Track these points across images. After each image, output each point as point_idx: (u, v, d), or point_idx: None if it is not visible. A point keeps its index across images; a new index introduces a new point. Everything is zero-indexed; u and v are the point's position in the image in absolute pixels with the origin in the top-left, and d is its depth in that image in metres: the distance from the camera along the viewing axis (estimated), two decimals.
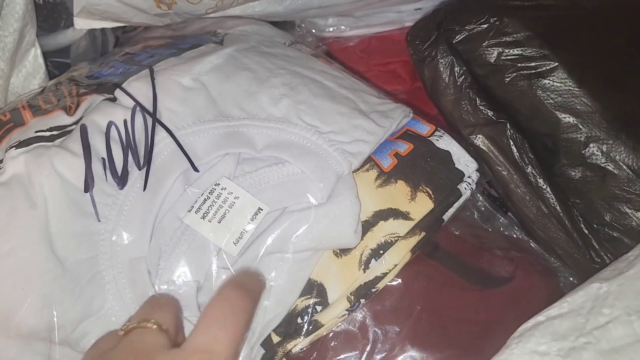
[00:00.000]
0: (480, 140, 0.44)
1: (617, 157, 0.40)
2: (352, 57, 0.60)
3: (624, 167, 0.40)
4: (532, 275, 0.43)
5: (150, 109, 0.35)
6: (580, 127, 0.40)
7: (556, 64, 0.41)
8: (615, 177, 0.40)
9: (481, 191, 0.48)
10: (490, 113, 0.44)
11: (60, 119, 0.35)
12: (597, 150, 0.40)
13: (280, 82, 0.38)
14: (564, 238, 0.43)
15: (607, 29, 0.43)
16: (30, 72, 0.51)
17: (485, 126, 0.44)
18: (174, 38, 0.46)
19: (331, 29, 0.60)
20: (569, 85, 0.41)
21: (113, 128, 0.34)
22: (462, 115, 0.44)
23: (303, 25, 0.61)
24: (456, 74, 0.44)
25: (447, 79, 0.45)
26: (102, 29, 0.57)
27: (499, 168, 0.44)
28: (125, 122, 0.34)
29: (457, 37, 0.43)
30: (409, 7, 0.60)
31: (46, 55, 0.56)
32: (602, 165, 0.40)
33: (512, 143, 0.43)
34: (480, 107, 0.44)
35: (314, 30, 0.61)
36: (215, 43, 0.42)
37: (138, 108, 0.35)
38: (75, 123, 0.35)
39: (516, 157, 0.43)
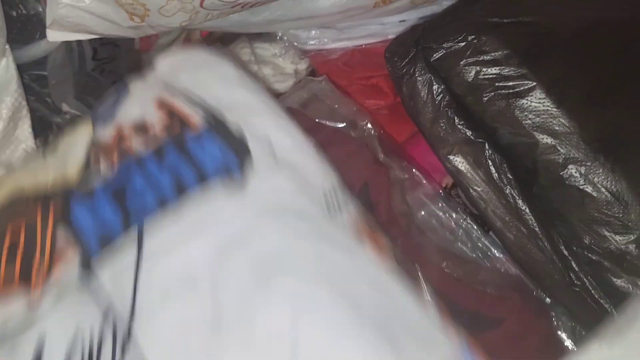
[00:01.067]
0: (458, 160, 0.44)
1: (596, 179, 0.39)
2: (334, 70, 0.59)
3: (603, 189, 0.39)
4: (524, 316, 0.42)
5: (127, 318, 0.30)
6: (559, 148, 0.40)
7: (534, 83, 0.40)
8: (593, 199, 0.39)
9: (464, 209, 0.48)
10: (468, 132, 0.43)
11: (17, 304, 0.31)
12: (576, 172, 0.39)
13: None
14: (543, 259, 0.42)
15: (586, 48, 0.42)
16: (3, 83, 0.50)
17: (464, 145, 0.43)
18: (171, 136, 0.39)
19: (313, 42, 0.59)
20: (547, 106, 0.40)
21: (78, 341, 0.29)
22: (440, 134, 0.44)
23: (285, 38, 0.60)
24: (434, 92, 0.43)
25: (425, 96, 0.44)
26: (79, 41, 0.56)
27: (478, 188, 0.44)
28: (91, 335, 0.30)
29: (434, 55, 0.42)
30: (393, 19, 0.59)
31: (23, 67, 0.55)
32: (581, 187, 0.39)
33: (490, 163, 0.43)
34: (459, 126, 0.43)
35: (296, 43, 0.60)
36: (231, 179, 0.36)
37: (111, 314, 0.31)
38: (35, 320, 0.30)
39: (495, 177, 0.43)
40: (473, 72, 0.41)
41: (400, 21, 0.58)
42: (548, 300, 0.44)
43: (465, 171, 0.44)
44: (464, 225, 0.47)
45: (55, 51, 0.56)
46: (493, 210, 0.44)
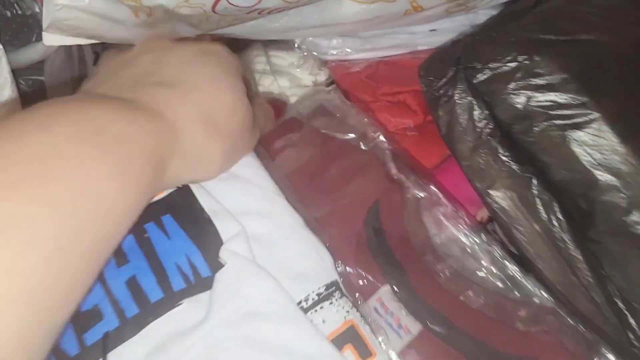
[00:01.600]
0: (501, 195, 0.38)
1: None
2: (357, 84, 0.53)
3: None
4: (560, 357, 0.36)
5: None
6: (622, 190, 0.34)
7: (597, 114, 0.34)
8: None
9: (501, 246, 0.42)
10: (514, 165, 0.38)
11: None
12: None
13: None
14: (596, 313, 0.37)
15: None
16: None
17: (508, 180, 0.38)
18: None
19: (334, 51, 0.54)
20: (611, 140, 0.34)
21: None
22: (481, 165, 0.38)
23: (304, 47, 0.55)
24: (476, 117, 0.38)
25: (465, 122, 0.38)
26: (80, 45, 0.51)
27: (521, 228, 0.38)
28: None
29: (478, 76, 0.37)
30: (422, 28, 0.53)
31: (18, 72, 0.51)
32: None
33: (538, 201, 0.37)
34: (503, 157, 0.38)
35: (315, 52, 0.54)
36: (198, 280, 0.32)
37: None
38: None
39: (543, 217, 0.37)
40: (523, 98, 0.36)
41: (431, 30, 0.53)
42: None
43: (508, 208, 0.38)
44: (491, 253, 0.41)
45: (53, 55, 0.51)
46: (538, 253, 0.38)
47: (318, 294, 0.34)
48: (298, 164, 0.40)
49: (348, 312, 0.34)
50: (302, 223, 0.36)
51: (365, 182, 0.40)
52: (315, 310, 0.33)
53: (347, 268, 0.37)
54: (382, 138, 0.43)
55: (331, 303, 0.34)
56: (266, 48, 0.57)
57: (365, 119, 0.44)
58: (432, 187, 0.42)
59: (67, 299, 0.23)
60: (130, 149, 0.25)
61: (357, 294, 0.37)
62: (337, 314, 0.34)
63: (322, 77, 0.56)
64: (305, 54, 0.55)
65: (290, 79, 0.55)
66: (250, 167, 0.36)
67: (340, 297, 0.34)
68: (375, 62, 0.53)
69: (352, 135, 0.42)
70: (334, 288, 0.35)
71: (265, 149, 0.41)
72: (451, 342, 0.35)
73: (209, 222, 0.33)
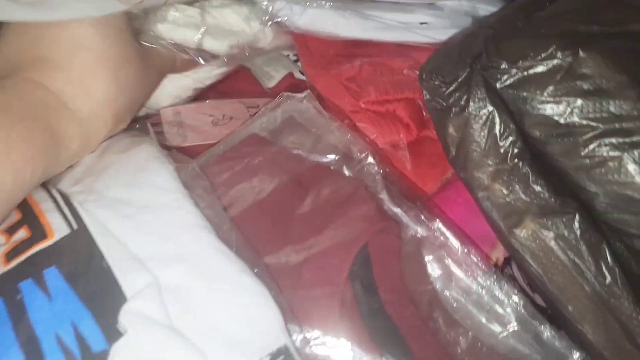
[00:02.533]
0: (532, 237, 0.29)
1: None
2: (334, 88, 0.44)
3: None
4: None
5: None
6: None
7: None
8: None
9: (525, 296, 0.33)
10: (550, 197, 0.29)
11: None
12: None
13: None
14: None
15: None
16: None
17: (542, 216, 0.29)
18: None
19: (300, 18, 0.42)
20: None
21: None
22: (504, 197, 0.29)
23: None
24: (499, 133, 0.29)
25: (484, 140, 0.29)
26: None
27: (559, 278, 0.29)
28: None
29: (504, 79, 0.28)
30: (412, 17, 0.44)
31: None
32: None
33: (582, 244, 0.28)
34: (535, 187, 0.29)
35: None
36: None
37: None
38: None
39: (588, 264, 0.28)
40: (564, 108, 0.27)
41: (422, 23, 0.44)
42: None
43: (540, 254, 0.29)
44: (516, 308, 0.33)
45: None
46: (580, 312, 0.30)
47: None
48: (258, 197, 0.31)
49: None
50: (241, 268, 0.28)
51: (350, 220, 0.31)
52: None
53: (326, 338, 0.28)
54: (370, 160, 0.34)
55: None
56: None
57: (349, 135, 0.35)
58: (438, 223, 0.32)
59: None
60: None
61: None
62: None
63: (265, 36, 0.43)
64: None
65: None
66: (169, 193, 0.29)
67: None
68: (358, 62, 0.44)
69: (332, 157, 0.34)
70: (282, 357, 0.27)
71: (210, 177, 0.31)
72: None
73: (108, 272, 0.26)
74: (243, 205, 0.31)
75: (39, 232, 0.28)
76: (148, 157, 0.31)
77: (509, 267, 0.36)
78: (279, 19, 0.39)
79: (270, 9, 0.39)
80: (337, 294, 0.29)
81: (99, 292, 0.26)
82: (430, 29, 0.43)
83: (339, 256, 0.30)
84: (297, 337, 0.29)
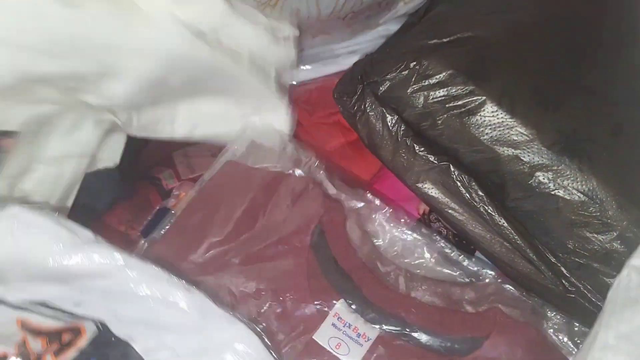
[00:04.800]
0: (427, 186, 0.43)
1: (565, 182, 0.38)
2: (296, 110, 0.58)
3: (574, 191, 0.38)
4: (509, 328, 0.40)
5: None
6: (522, 157, 0.39)
7: (483, 97, 0.39)
8: (567, 202, 0.38)
9: (445, 236, 0.46)
10: (431, 157, 0.42)
11: None
12: (544, 178, 0.39)
13: None
14: (533, 271, 0.41)
15: (530, 50, 0.41)
16: None
17: (430, 171, 0.42)
18: None
19: None
20: (501, 117, 0.39)
21: None
22: (404, 164, 0.43)
23: None
24: (389, 124, 0.43)
25: (381, 130, 0.43)
26: None
27: (452, 212, 0.43)
28: None
29: (381, 88, 0.42)
30: (342, 49, 0.58)
31: None
32: (552, 192, 0.38)
33: (459, 184, 0.42)
34: (420, 153, 0.42)
35: None
36: None
37: None
38: None
39: (466, 197, 0.42)
40: (422, 98, 0.41)
41: (350, 52, 0.58)
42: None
43: (436, 196, 0.43)
44: (434, 244, 0.45)
45: None
46: (472, 229, 0.43)
47: None
48: (242, 207, 0.43)
49: None
50: (233, 328, 0.36)
51: (305, 206, 0.43)
52: None
53: (299, 295, 0.40)
54: (315, 161, 0.46)
55: None
56: None
57: (297, 146, 0.47)
58: (369, 195, 0.46)
59: None
60: None
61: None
62: None
63: None
64: None
65: None
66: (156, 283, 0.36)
67: None
68: (308, 89, 0.58)
69: (286, 165, 0.46)
70: None
71: (206, 191, 0.44)
72: (407, 338, 0.39)
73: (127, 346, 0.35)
74: (234, 213, 0.42)
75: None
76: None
77: (435, 214, 0.49)
78: None
79: None
80: (303, 262, 0.41)
81: None
82: (358, 55, 0.57)
83: (300, 234, 0.42)
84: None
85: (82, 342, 0.35)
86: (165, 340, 0.35)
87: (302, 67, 0.58)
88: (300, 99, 0.58)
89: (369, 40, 0.56)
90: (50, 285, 0.36)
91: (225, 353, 0.35)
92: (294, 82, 0.58)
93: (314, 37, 0.52)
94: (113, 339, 0.36)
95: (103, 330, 0.36)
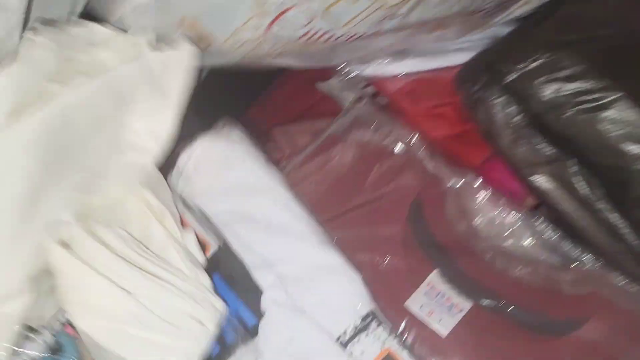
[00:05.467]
0: (543, 179, 0.43)
1: None
2: (398, 100, 0.59)
3: None
4: (612, 314, 0.40)
5: None
6: None
7: (620, 94, 0.39)
8: None
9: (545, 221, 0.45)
10: (551, 150, 0.42)
11: None
12: None
13: None
14: None
15: None
16: None
17: (547, 165, 0.43)
18: None
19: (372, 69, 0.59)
20: (634, 115, 0.39)
21: None
22: (522, 155, 0.43)
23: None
24: (512, 113, 0.43)
25: (502, 119, 0.44)
26: None
27: (566, 207, 0.43)
28: None
29: (508, 77, 0.42)
30: (451, 46, 0.59)
31: None
32: None
33: (578, 179, 0.42)
34: (541, 145, 0.43)
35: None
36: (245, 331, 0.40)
37: None
38: None
39: (584, 193, 0.42)
40: (551, 90, 0.41)
41: (458, 49, 0.59)
42: None
43: (551, 189, 0.43)
44: (534, 226, 0.44)
45: None
46: (584, 227, 0.42)
47: (355, 327, 0.38)
48: (339, 175, 0.45)
49: (384, 341, 0.38)
50: (338, 261, 0.40)
51: (404, 181, 0.45)
52: (354, 343, 0.37)
53: (394, 262, 0.42)
54: (416, 138, 0.47)
55: (367, 335, 0.38)
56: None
57: (399, 124, 0.48)
58: (470, 175, 0.45)
59: None
60: None
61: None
62: (374, 344, 0.38)
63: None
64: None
65: None
66: (287, 211, 0.42)
67: (377, 327, 0.38)
68: (411, 80, 0.59)
69: (388, 141, 0.47)
70: (370, 319, 0.38)
71: (303, 164, 0.46)
72: (501, 313, 0.39)
73: (248, 276, 0.39)
74: (329, 181, 0.45)
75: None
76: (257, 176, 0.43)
77: (538, 210, 0.49)
78: None
79: None
80: (399, 231, 0.42)
81: (246, 288, 0.39)
82: (465, 51, 0.57)
83: (398, 205, 0.43)
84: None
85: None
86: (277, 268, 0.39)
87: (409, 59, 0.59)
88: (404, 89, 0.60)
89: (479, 39, 0.57)
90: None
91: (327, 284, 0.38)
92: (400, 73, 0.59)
93: (430, 33, 0.53)
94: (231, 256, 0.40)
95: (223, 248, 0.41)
